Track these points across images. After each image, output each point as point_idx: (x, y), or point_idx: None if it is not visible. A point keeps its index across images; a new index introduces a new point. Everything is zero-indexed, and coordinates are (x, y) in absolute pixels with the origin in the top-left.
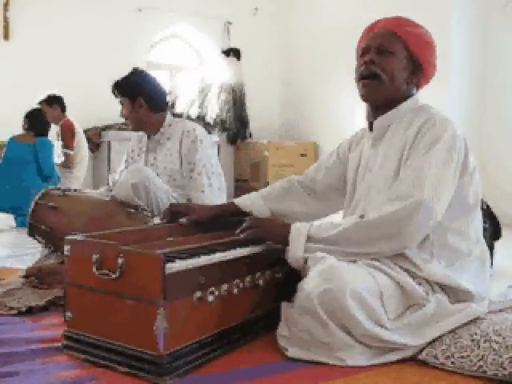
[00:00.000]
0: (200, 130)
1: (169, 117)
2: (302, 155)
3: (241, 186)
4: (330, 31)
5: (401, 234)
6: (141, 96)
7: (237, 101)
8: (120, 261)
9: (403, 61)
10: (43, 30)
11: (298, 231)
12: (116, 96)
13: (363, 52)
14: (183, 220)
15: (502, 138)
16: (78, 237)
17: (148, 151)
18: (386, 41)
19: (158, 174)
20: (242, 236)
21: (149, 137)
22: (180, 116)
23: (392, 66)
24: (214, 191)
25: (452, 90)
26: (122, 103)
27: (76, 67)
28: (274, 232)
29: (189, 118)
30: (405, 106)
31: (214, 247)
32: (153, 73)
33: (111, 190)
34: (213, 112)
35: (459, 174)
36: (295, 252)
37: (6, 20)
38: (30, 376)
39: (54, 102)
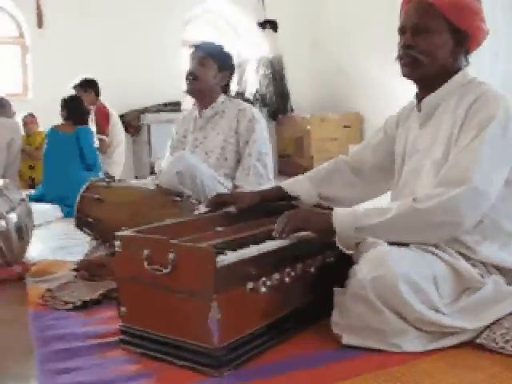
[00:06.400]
0: (256, 109)
1: (222, 95)
2: (346, 127)
3: (285, 161)
4: None
5: (455, 221)
6: (220, 62)
7: (276, 74)
8: (171, 256)
9: (444, 35)
10: (76, 15)
11: (343, 218)
12: (196, 51)
13: (400, 32)
14: (232, 209)
15: None
16: (128, 232)
17: (196, 130)
18: (421, 18)
19: (206, 153)
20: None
21: (199, 114)
22: None
23: (431, 46)
24: (259, 174)
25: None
26: (197, 61)
27: (111, 51)
28: (314, 222)
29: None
30: (453, 82)
31: (264, 236)
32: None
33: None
34: (252, 87)
35: None
36: (344, 242)
37: (38, 8)
38: (89, 371)
39: (88, 86)
